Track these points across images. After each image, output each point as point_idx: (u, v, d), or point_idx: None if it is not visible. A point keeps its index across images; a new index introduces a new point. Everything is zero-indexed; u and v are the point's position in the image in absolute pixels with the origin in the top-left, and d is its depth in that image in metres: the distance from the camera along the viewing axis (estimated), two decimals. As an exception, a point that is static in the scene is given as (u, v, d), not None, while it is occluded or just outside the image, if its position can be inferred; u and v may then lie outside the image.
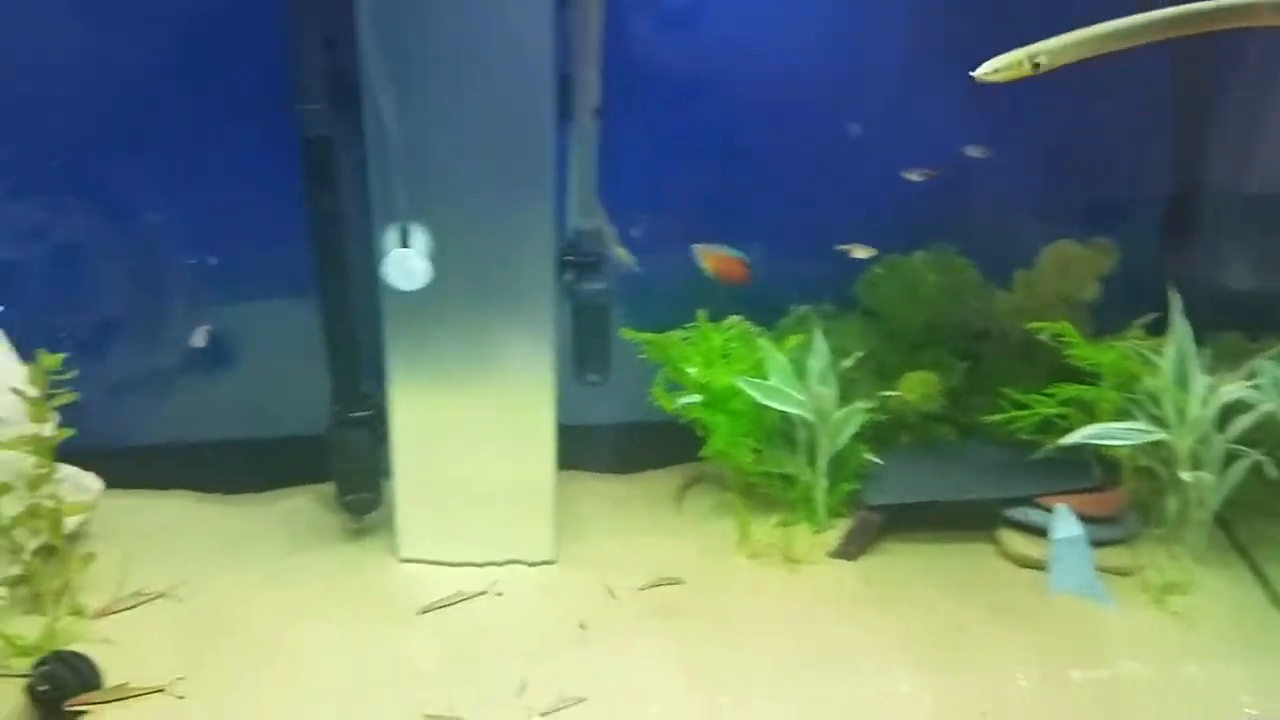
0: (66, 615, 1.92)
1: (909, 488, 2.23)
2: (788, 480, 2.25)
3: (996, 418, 2.20)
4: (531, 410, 2.06)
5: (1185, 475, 2.07)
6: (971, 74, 1.53)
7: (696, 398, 2.18)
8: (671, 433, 2.24)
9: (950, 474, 2.27)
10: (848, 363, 2.21)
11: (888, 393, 2.25)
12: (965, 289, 2.36)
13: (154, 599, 2.00)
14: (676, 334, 2.24)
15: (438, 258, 1.90)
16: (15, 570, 1.91)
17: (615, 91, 2.04)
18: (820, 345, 2.18)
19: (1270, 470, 2.03)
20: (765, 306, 2.33)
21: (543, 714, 1.78)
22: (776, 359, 2.18)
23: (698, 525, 2.31)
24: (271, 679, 1.84)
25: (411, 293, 1.89)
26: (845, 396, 2.19)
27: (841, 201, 2.30)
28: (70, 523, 1.99)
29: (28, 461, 1.88)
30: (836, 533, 2.22)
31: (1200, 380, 2.06)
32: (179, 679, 1.80)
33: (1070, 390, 2.13)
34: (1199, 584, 2.09)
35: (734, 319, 2.28)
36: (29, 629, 1.86)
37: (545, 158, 1.89)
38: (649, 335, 2.24)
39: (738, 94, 2.23)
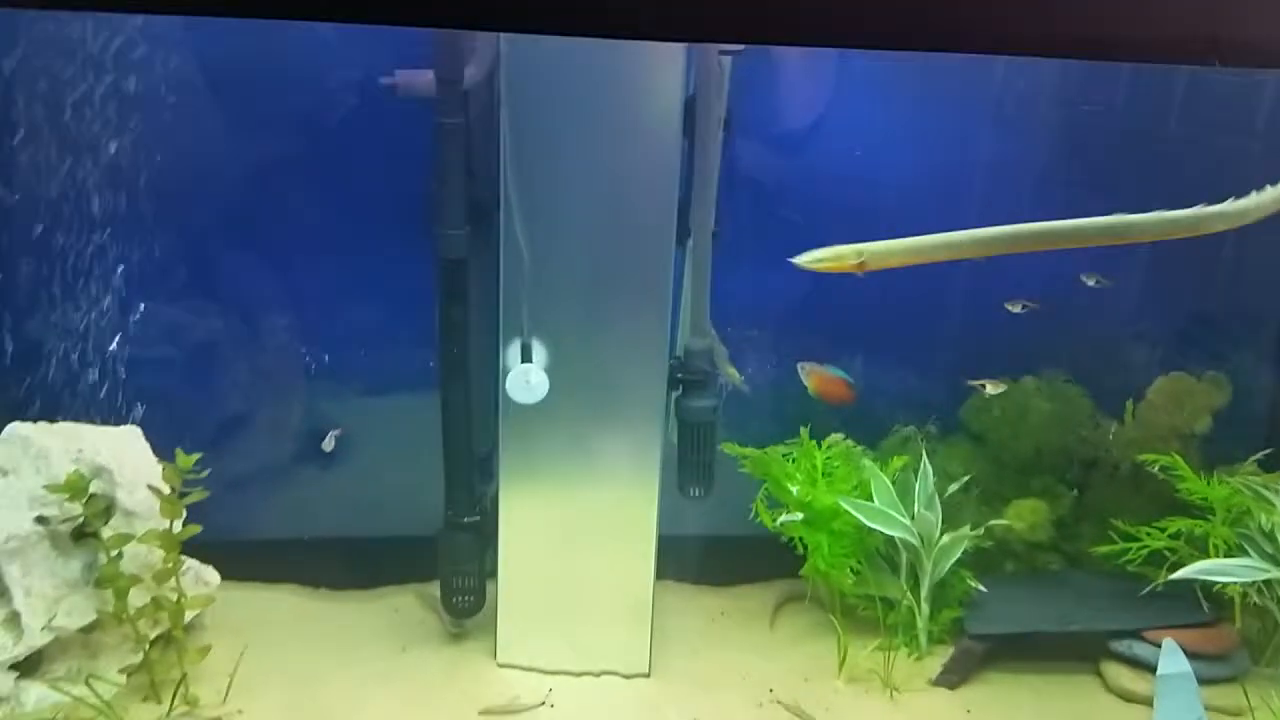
0: (182, 705, 1.97)
1: (1013, 617, 2.19)
2: (888, 604, 2.23)
3: (1104, 549, 2.17)
4: (635, 521, 2.09)
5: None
6: (791, 260, 1.61)
7: (798, 515, 2.19)
8: (764, 547, 2.25)
9: (1055, 604, 2.23)
10: (954, 487, 2.21)
11: (996, 521, 2.23)
12: (1076, 417, 2.35)
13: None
14: (777, 449, 2.27)
15: (555, 371, 1.97)
16: (136, 659, 1.97)
17: (728, 214, 2.10)
18: (926, 468, 2.19)
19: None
20: (867, 426, 2.34)
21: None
22: (881, 481, 2.19)
23: (794, 645, 2.29)
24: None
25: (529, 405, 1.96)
26: (949, 521, 2.18)
27: (952, 324, 2.33)
28: (188, 614, 2.05)
29: (156, 555, 1.96)
30: (937, 660, 2.19)
31: (1317, 519, 2.02)
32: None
33: (1180, 523, 2.10)
34: (1311, 727, 2.02)
35: (836, 436, 2.30)
36: (146, 717, 1.91)
37: (665, 279, 1.96)
38: (750, 450, 2.26)
39: (849, 218, 2.27)
